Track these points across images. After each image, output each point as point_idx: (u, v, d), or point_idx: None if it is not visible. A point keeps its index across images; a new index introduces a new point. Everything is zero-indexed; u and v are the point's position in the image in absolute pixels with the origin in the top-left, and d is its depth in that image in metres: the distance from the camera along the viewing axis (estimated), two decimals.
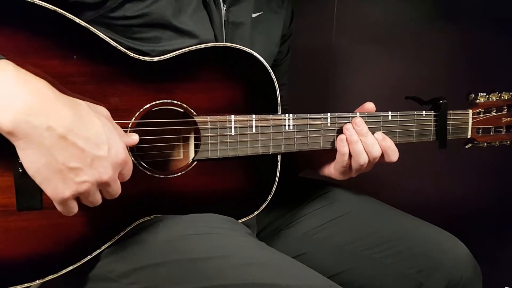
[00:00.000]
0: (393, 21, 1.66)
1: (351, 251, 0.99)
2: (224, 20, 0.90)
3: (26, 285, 0.74)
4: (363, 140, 0.90)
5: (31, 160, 0.61)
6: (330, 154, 0.95)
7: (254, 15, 0.96)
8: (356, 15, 1.70)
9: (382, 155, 0.92)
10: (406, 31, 1.64)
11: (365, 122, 0.91)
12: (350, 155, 0.90)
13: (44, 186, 0.63)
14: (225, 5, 0.89)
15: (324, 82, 1.78)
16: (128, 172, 0.70)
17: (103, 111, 0.70)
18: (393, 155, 0.92)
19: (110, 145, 0.65)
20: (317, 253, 0.79)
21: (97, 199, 0.67)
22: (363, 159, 0.89)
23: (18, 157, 0.70)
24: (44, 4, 0.69)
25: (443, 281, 0.95)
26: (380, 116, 0.93)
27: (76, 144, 0.61)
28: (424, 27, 1.63)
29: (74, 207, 0.66)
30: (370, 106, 0.95)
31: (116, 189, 0.68)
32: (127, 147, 0.72)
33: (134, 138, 0.73)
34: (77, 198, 0.66)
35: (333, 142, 0.92)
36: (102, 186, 0.66)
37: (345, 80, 1.77)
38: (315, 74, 1.76)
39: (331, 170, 0.96)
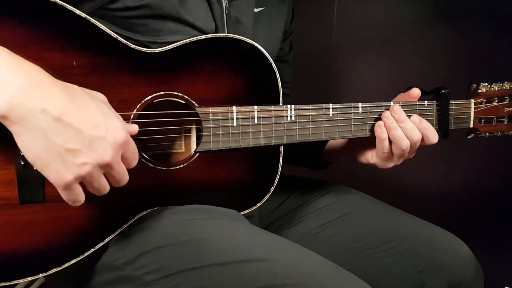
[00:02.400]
0: (393, 21, 1.66)
1: (353, 251, 0.99)
2: (226, 14, 0.90)
3: (29, 278, 0.74)
4: (402, 126, 0.91)
5: (29, 145, 0.60)
6: (369, 142, 0.96)
7: (256, 10, 0.96)
8: (356, 15, 1.71)
9: (422, 138, 0.93)
10: (406, 31, 1.64)
11: (367, 112, 0.92)
12: (389, 141, 0.92)
13: (45, 172, 0.61)
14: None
15: (324, 82, 1.79)
16: (132, 155, 0.68)
17: (99, 95, 0.68)
18: (432, 136, 0.94)
19: (108, 126, 0.63)
20: (318, 253, 0.79)
21: (103, 184, 0.66)
22: (404, 143, 0.90)
23: (20, 150, 0.71)
24: None
25: (445, 281, 0.95)
26: (382, 106, 0.93)
27: (73, 126, 0.60)
28: (424, 27, 1.63)
29: (80, 194, 0.64)
30: (416, 92, 0.98)
31: (121, 173, 0.67)
32: None
33: (134, 127, 0.71)
34: (83, 186, 0.65)
35: (338, 133, 0.92)
36: (105, 168, 0.64)
37: (345, 80, 1.77)
38: (315, 74, 1.76)
39: (374, 158, 0.96)
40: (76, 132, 0.60)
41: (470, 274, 0.97)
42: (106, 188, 0.67)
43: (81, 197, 0.65)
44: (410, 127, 0.91)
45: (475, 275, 0.98)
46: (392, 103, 0.94)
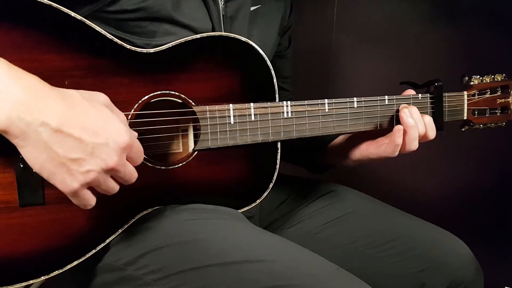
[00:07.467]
0: (393, 21, 1.67)
1: (353, 251, 1.00)
2: (223, 15, 0.90)
3: (31, 281, 0.74)
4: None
5: (33, 157, 0.60)
6: (369, 136, 0.97)
7: (252, 8, 0.96)
8: (356, 15, 1.71)
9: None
10: (406, 31, 1.65)
11: (362, 106, 0.93)
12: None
13: (52, 181, 0.62)
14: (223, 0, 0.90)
15: (324, 81, 1.79)
16: (137, 154, 0.68)
17: (100, 97, 0.69)
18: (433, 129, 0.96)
19: (109, 131, 0.63)
20: (319, 252, 0.79)
21: (111, 186, 0.66)
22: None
23: (19, 153, 0.71)
24: None
25: (445, 281, 0.96)
26: (377, 100, 0.94)
27: (73, 135, 0.61)
28: (424, 27, 1.64)
29: (89, 199, 0.65)
30: (411, 92, 1.00)
31: (128, 173, 0.67)
32: None
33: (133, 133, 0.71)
34: (92, 188, 0.65)
35: (334, 127, 0.92)
36: (110, 172, 0.65)
37: (345, 80, 1.78)
38: (315, 74, 1.77)
39: (383, 148, 0.94)
40: (77, 142, 0.61)
41: (470, 274, 0.97)
42: (115, 188, 0.68)
43: (91, 201, 0.66)
44: (428, 121, 0.94)
45: (475, 275, 0.98)
46: (386, 98, 0.95)
